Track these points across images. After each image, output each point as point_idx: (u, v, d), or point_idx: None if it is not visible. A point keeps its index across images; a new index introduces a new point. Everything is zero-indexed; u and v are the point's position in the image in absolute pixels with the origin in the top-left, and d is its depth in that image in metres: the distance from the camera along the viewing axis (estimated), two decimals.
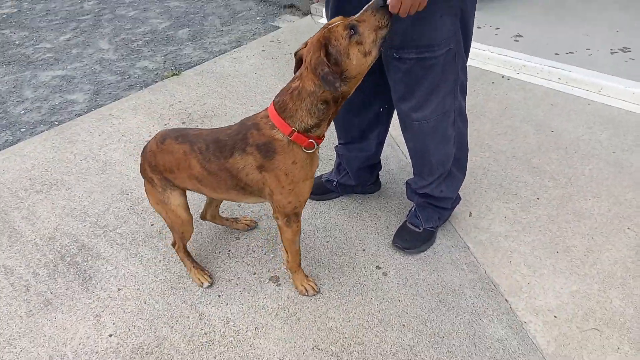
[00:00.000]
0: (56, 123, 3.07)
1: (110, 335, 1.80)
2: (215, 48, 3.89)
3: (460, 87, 1.73)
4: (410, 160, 1.98)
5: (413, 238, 2.04)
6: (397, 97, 1.74)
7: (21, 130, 3.04)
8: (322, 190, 2.32)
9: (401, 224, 2.13)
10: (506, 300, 1.84)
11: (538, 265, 1.95)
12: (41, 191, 2.48)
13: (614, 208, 2.16)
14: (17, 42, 4.27)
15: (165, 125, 2.93)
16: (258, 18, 4.39)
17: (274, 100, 1.53)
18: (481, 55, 3.22)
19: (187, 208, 1.81)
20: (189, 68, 3.59)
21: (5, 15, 4.84)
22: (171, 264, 2.05)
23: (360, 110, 1.99)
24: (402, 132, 1.86)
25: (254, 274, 2.00)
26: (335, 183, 2.27)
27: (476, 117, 2.77)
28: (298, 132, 1.50)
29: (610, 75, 2.88)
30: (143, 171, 1.80)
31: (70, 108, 3.24)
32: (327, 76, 1.36)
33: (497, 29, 3.53)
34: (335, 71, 1.38)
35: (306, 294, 1.89)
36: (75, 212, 2.34)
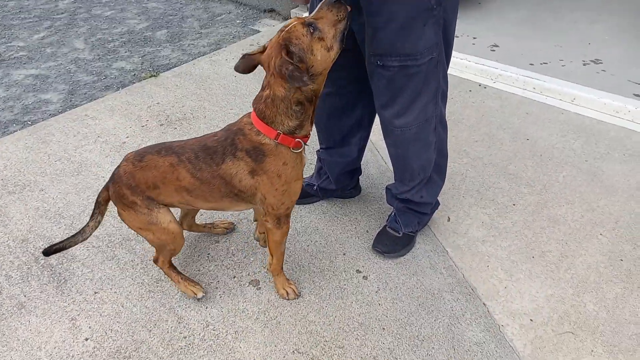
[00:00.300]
0: (29, 123, 3.00)
1: (87, 339, 1.76)
2: (194, 50, 3.86)
3: (441, 95, 1.77)
4: (389, 166, 2.00)
5: (393, 242, 2.06)
6: (379, 104, 1.76)
7: None
8: (303, 194, 2.30)
9: (381, 228, 2.14)
10: (484, 304, 1.87)
11: (514, 270, 1.99)
12: (14, 192, 2.41)
13: (587, 214, 2.23)
14: None
15: (143, 126, 2.89)
16: (238, 21, 4.38)
17: (253, 108, 1.54)
18: (459, 64, 3.28)
19: (177, 221, 1.75)
20: (167, 70, 3.55)
21: None
22: (149, 267, 2.02)
23: (342, 116, 2.00)
24: (384, 138, 1.88)
25: (234, 277, 1.99)
26: (315, 187, 2.28)
27: (454, 124, 2.82)
28: (283, 134, 1.51)
29: (582, 85, 2.97)
30: (120, 197, 1.67)
31: (44, 108, 3.17)
32: (294, 72, 1.36)
33: (474, 38, 3.60)
34: (301, 68, 1.39)
35: (287, 297, 1.89)
36: (49, 213, 2.28)
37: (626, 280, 1.93)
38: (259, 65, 1.51)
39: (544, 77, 3.09)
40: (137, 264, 2.03)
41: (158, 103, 3.13)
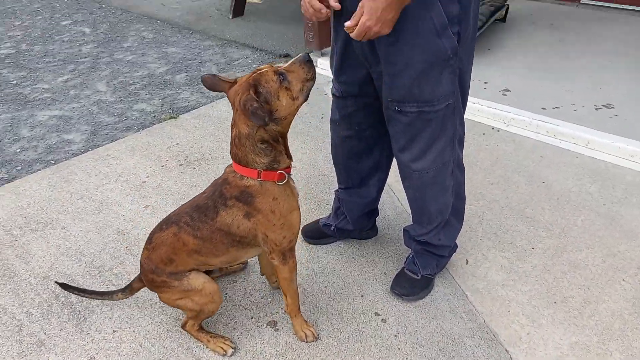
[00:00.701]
0: (52, 162, 3.07)
1: None
2: (212, 93, 3.97)
3: (458, 140, 1.80)
4: (406, 207, 2.02)
5: (411, 285, 2.05)
6: (397, 147, 1.79)
7: (17, 168, 3.03)
8: (320, 235, 2.33)
9: (399, 270, 2.14)
10: (506, 350, 1.84)
11: (536, 316, 1.96)
12: (36, 230, 2.45)
13: (608, 260, 2.21)
14: (14, 82, 4.31)
15: (162, 166, 2.95)
16: (254, 65, 4.51)
17: (230, 154, 1.60)
18: (472, 108, 3.34)
19: (211, 279, 1.76)
20: (186, 112, 3.65)
21: (3, 56, 4.91)
22: (167, 306, 2.02)
23: (361, 158, 2.04)
24: (402, 181, 1.91)
25: (252, 317, 1.98)
26: (333, 227, 2.29)
27: (469, 166, 2.84)
28: (264, 170, 1.56)
29: (595, 130, 3.00)
30: (151, 283, 1.76)
31: (67, 148, 3.25)
32: (257, 111, 1.41)
33: (486, 83, 3.68)
34: (266, 109, 1.45)
35: (305, 340, 1.87)
36: (70, 251, 2.31)
37: None
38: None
39: (556, 121, 3.13)
40: (156, 303, 2.04)
41: (177, 144, 3.20)
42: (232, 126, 1.55)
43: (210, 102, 3.80)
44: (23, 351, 1.85)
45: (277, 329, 1.94)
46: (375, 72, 1.70)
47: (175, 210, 1.76)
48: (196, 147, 3.16)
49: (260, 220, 1.61)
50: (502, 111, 3.29)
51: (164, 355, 1.83)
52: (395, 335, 1.90)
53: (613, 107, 3.29)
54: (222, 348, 1.83)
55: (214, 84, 1.58)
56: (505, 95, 3.52)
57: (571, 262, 2.20)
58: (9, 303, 2.04)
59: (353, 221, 2.24)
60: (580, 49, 4.20)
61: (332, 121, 2.03)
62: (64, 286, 1.88)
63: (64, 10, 6.44)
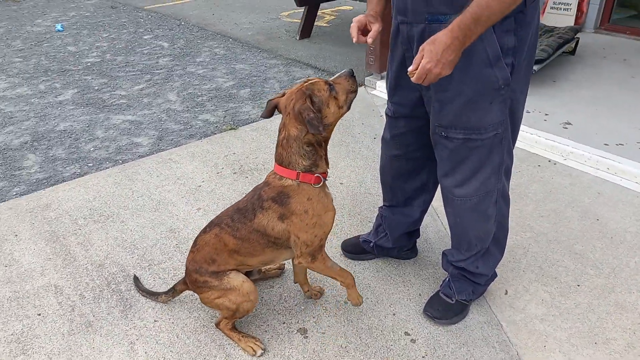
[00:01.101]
0: (120, 162, 3.32)
1: None
2: None
3: (505, 170, 1.79)
4: (448, 231, 2.02)
5: (445, 308, 2.04)
6: (441, 172, 1.81)
7: (88, 165, 3.30)
8: (359, 250, 2.37)
9: (434, 293, 2.13)
10: None
11: (574, 354, 1.89)
12: (98, 221, 2.66)
13: None
14: (96, 88, 4.70)
15: (218, 173, 3.11)
16: None
17: (274, 156, 1.71)
18: (528, 139, 3.28)
19: (249, 280, 1.86)
20: (246, 124, 3.82)
21: (89, 64, 5.36)
22: None
23: (408, 179, 2.08)
24: (444, 206, 1.92)
25: (284, 323, 2.04)
26: (372, 244, 2.32)
27: (519, 197, 2.79)
28: (302, 172, 1.66)
29: None
30: (194, 283, 1.87)
31: (135, 150, 3.50)
32: (313, 120, 1.55)
33: (547, 115, 3.60)
34: (319, 117, 1.57)
35: (358, 304, 1.98)
36: (125, 243, 2.48)
37: None
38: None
39: (619, 157, 3.01)
40: (196, 299, 2.14)
41: (234, 153, 3.36)
42: (281, 129, 1.66)
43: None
44: (72, 329, 2.01)
45: (307, 337, 1.98)
46: (426, 96, 1.74)
47: (218, 215, 1.88)
48: (251, 157, 3.30)
49: (294, 222, 1.70)
50: (561, 144, 3.20)
51: (198, 347, 1.93)
52: (423, 357, 1.90)
53: None
54: (252, 348, 1.90)
55: (269, 108, 1.71)
56: (566, 128, 3.42)
57: (618, 303, 2.10)
58: (66, 285, 2.23)
59: (393, 239, 2.27)
60: None
61: (383, 139, 2.08)
62: (135, 279, 2.20)
63: (147, 25, 6.95)
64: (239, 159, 3.28)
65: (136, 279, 2.20)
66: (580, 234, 2.51)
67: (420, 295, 2.18)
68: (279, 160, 1.69)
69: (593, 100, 3.81)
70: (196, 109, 4.19)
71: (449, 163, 1.75)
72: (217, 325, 1.96)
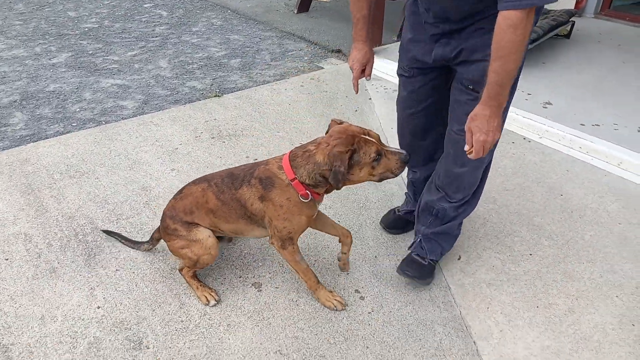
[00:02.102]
0: (103, 123, 3.38)
1: (99, 307, 1.95)
2: (259, 78, 4.18)
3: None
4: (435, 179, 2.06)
5: (420, 269, 2.07)
6: (454, 117, 1.85)
7: (72, 124, 3.37)
8: (403, 224, 2.40)
9: (406, 255, 2.15)
10: (474, 342, 1.85)
11: (515, 316, 1.95)
12: (74, 177, 2.73)
13: (607, 275, 2.14)
14: (90, 52, 4.75)
15: (196, 137, 3.17)
16: (306, 58, 4.68)
17: (292, 149, 1.77)
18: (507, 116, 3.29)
19: (214, 236, 1.94)
20: (231, 92, 3.87)
21: (87, 29, 5.40)
22: (168, 256, 2.20)
23: (425, 134, 2.12)
24: (445, 146, 1.94)
25: (240, 277, 2.12)
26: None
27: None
28: (298, 181, 1.71)
29: (632, 150, 2.88)
30: (165, 229, 1.97)
31: (119, 112, 3.56)
32: (338, 175, 1.61)
33: (529, 94, 3.61)
34: (346, 174, 1.62)
35: (336, 308, 1.95)
36: (97, 198, 2.56)
37: (633, 345, 1.83)
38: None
39: (592, 137, 3.03)
40: (159, 253, 2.22)
41: (215, 119, 3.41)
42: (316, 145, 1.70)
43: (255, 86, 4.00)
44: (37, 274, 2.10)
45: (260, 290, 2.06)
46: (455, 49, 1.75)
47: (213, 173, 1.97)
48: (231, 124, 3.36)
49: (269, 207, 1.78)
50: (537, 122, 3.22)
51: (154, 296, 2.01)
52: (369, 312, 1.97)
53: None
54: (206, 298, 1.98)
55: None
56: (546, 108, 3.43)
57: (567, 272, 2.15)
58: (35, 234, 2.31)
59: None
60: None
61: (399, 100, 2.11)
62: (108, 232, 2.24)
63: None
64: (219, 125, 3.34)
65: (113, 233, 2.25)
66: (542, 208, 2.55)
67: (376, 257, 2.24)
68: (292, 158, 1.74)
69: (578, 83, 3.80)
70: (185, 76, 4.23)
71: (464, 110, 1.75)
72: (180, 270, 2.05)
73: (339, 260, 2.11)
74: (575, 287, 2.08)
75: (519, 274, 2.15)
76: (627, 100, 3.52)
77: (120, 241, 2.25)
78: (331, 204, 2.56)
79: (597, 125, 3.19)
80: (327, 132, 1.77)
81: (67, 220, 2.40)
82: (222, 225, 1.93)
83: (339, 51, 4.78)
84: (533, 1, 1.36)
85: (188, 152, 3.01)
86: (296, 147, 1.77)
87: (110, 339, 1.82)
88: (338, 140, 1.64)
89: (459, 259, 2.24)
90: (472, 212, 2.10)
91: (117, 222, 2.40)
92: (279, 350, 1.80)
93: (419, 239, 2.14)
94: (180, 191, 1.99)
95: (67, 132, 3.22)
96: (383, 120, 3.41)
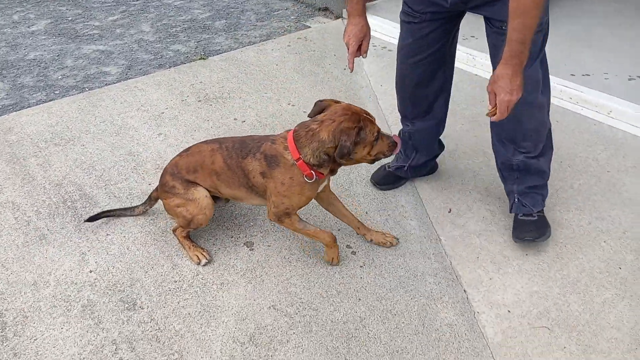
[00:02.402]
0: (87, 89, 3.32)
1: (91, 271, 1.96)
2: (245, 40, 4.08)
3: (543, 59, 1.89)
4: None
5: (536, 227, 2.01)
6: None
7: (55, 92, 3.30)
8: (393, 180, 2.40)
9: (514, 221, 2.09)
10: (464, 290, 1.88)
11: (504, 264, 1.98)
12: (59, 144, 2.69)
13: (595, 222, 2.16)
14: (70, 18, 4.61)
15: (182, 101, 3.12)
16: (292, 17, 4.57)
17: (294, 128, 1.76)
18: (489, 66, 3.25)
19: (210, 196, 1.95)
20: (217, 54, 3.79)
21: None
22: (158, 219, 2.20)
23: (430, 81, 2.09)
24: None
25: (232, 237, 2.12)
26: (406, 168, 2.33)
27: (478, 125, 2.81)
28: (303, 161, 1.71)
29: (621, 99, 2.86)
30: (162, 185, 1.98)
31: (103, 78, 3.49)
32: (345, 149, 1.63)
33: None
34: (352, 149, 1.65)
35: (332, 264, 1.98)
36: (84, 165, 2.54)
37: (619, 287, 1.87)
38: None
39: (582, 87, 3.00)
40: (149, 216, 2.22)
41: (201, 82, 3.35)
42: (319, 122, 1.70)
43: (241, 47, 3.91)
44: (27, 242, 2.09)
45: (253, 249, 2.07)
46: None
47: (226, 137, 1.97)
48: (217, 86, 3.30)
49: (270, 183, 1.79)
50: None
51: (146, 258, 2.02)
52: (361, 266, 1.99)
53: None
54: (198, 257, 1.99)
55: (317, 109, 1.79)
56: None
57: (556, 220, 2.17)
58: (23, 202, 2.29)
59: (427, 152, 2.31)
60: (635, 22, 3.93)
61: (404, 48, 2.05)
62: (96, 217, 2.14)
63: None
64: (205, 88, 3.28)
65: (101, 214, 2.15)
66: None
67: (366, 213, 2.25)
68: (296, 137, 1.73)
69: (571, 33, 3.74)
70: (168, 40, 4.13)
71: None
72: (174, 231, 2.06)
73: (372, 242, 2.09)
74: (564, 234, 2.11)
75: (508, 224, 2.16)
76: (618, 50, 3.47)
77: (110, 216, 2.18)
78: None
79: (587, 75, 3.16)
80: (310, 114, 1.79)
81: (55, 188, 2.38)
82: (222, 189, 1.94)
83: (326, 9, 4.66)
84: None
85: (174, 116, 2.96)
86: (299, 126, 1.75)
87: (104, 301, 1.83)
88: (344, 117, 1.66)
89: (449, 211, 2.25)
90: (552, 156, 2.08)
91: (105, 188, 2.38)
92: (272, 306, 1.83)
93: (516, 199, 2.08)
94: (188, 149, 1.99)
95: (50, 100, 3.16)
96: (372, 77, 3.36)
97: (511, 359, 1.64)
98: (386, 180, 2.40)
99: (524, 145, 1.96)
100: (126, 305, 1.82)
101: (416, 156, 2.31)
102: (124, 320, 1.77)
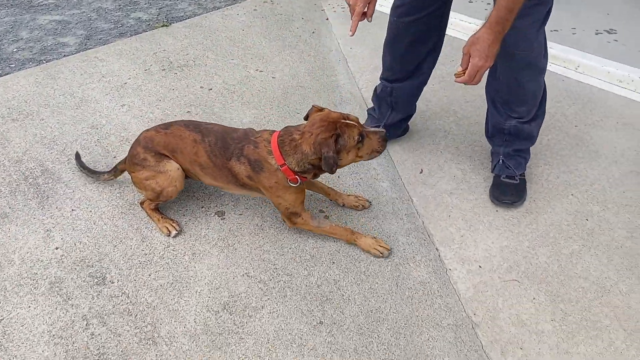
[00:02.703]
0: (44, 62, 3.17)
1: (57, 248, 1.90)
2: (209, 5, 3.94)
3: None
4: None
5: (515, 190, 2.04)
6: None
7: (11, 66, 3.14)
8: None
9: (493, 181, 2.11)
10: (437, 249, 1.90)
11: (475, 221, 2.00)
12: (17, 119, 2.58)
13: (563, 176, 2.19)
14: None
15: (145, 70, 3.01)
16: None
17: (280, 132, 1.73)
18: (460, 26, 3.22)
19: (180, 168, 1.90)
20: (180, 21, 3.65)
21: None
22: (125, 192, 2.14)
23: (425, 40, 2.06)
24: (500, 65, 1.84)
25: (202, 207, 2.09)
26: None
27: (449, 84, 2.79)
28: (288, 167, 1.69)
29: (588, 53, 2.88)
30: (132, 157, 1.92)
31: (60, 50, 3.33)
32: (329, 160, 1.61)
33: (488, 4, 3.51)
34: (336, 158, 1.63)
35: (382, 255, 1.85)
36: (45, 140, 2.44)
37: (586, 238, 1.91)
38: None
39: (551, 43, 2.97)
40: (115, 189, 2.16)
41: (164, 50, 3.23)
42: (301, 133, 1.68)
43: (206, 12, 3.78)
44: None
45: (224, 218, 2.04)
46: None
47: (207, 124, 1.91)
48: (182, 54, 3.19)
49: (259, 185, 1.79)
50: None
51: (114, 232, 1.97)
52: None
53: (615, 33, 3.12)
54: (168, 229, 1.95)
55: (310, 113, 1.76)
56: None
57: (526, 176, 2.18)
58: None
59: (405, 110, 2.30)
60: None
61: (396, 8, 2.02)
62: (77, 156, 2.19)
63: None
64: (169, 56, 3.17)
65: (78, 156, 2.20)
66: None
67: (339, 177, 2.23)
68: (280, 144, 1.70)
69: None
70: (129, 7, 3.96)
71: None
72: (142, 204, 2.01)
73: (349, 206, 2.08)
74: (533, 189, 2.13)
75: (479, 182, 2.18)
76: (586, 5, 3.47)
77: (80, 170, 2.18)
78: None
79: (555, 30, 3.16)
80: (306, 117, 1.76)
81: (15, 165, 2.29)
82: (206, 180, 1.92)
83: None
84: None
85: (138, 86, 2.86)
86: (283, 131, 1.74)
87: (72, 277, 1.79)
88: (321, 129, 1.64)
89: (420, 172, 2.25)
90: (543, 122, 2.08)
91: (68, 163, 2.30)
92: (246, 273, 1.81)
93: (500, 160, 2.10)
94: (167, 126, 1.91)
95: (6, 74, 3.01)
96: (341, 40, 3.29)
97: (482, 312, 1.67)
98: None
99: (518, 110, 1.96)
100: (95, 280, 1.78)
101: (391, 114, 2.30)
102: (93, 296, 1.73)
